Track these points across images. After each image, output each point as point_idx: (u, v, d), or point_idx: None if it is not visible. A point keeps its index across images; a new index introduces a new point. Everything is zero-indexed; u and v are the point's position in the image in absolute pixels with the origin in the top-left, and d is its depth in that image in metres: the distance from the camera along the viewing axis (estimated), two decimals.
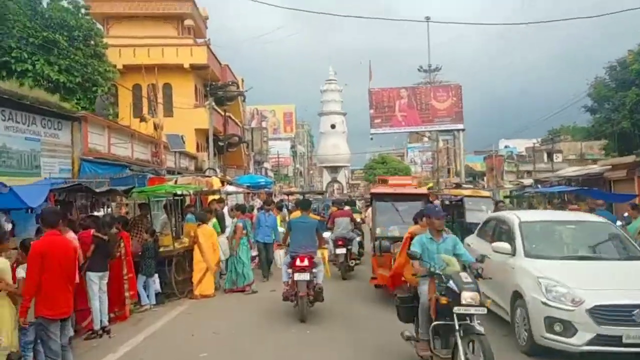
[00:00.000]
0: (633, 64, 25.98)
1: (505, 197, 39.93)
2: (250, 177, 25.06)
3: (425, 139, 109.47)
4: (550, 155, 57.86)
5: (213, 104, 29.85)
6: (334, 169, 69.28)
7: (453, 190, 15.90)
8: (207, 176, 18.51)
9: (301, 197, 14.62)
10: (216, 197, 14.30)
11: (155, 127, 19.74)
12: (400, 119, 32.99)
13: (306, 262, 8.27)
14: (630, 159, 21.00)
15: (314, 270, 8.33)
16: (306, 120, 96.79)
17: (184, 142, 27.35)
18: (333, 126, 68.83)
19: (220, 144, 33.97)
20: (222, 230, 11.64)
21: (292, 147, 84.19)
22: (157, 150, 19.07)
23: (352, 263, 12.45)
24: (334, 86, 70.08)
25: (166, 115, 30.44)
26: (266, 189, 30.58)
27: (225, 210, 12.97)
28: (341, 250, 12.14)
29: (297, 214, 11.07)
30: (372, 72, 33.82)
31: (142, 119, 19.90)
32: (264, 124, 73.73)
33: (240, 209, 11.75)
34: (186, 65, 28.88)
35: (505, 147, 72.40)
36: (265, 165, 66.55)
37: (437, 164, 50.05)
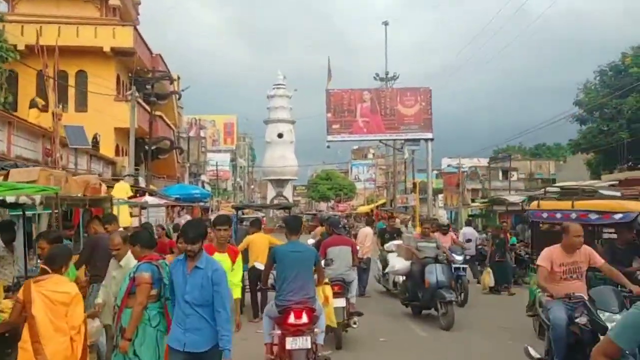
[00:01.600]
0: (632, 67, 22.16)
1: (470, 216, 36.38)
2: (182, 187, 19.83)
3: (370, 155, 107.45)
4: (505, 174, 55.91)
5: (139, 98, 24.16)
6: (280, 182, 63.52)
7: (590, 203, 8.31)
8: (93, 173, 13.16)
9: (281, 213, 9.68)
10: (129, 210, 8.88)
11: (53, 116, 14.11)
12: (361, 125, 28.64)
13: (305, 319, 5.50)
14: None
15: (315, 329, 5.61)
16: (248, 132, 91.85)
17: (97, 142, 21.52)
18: (280, 135, 63.02)
19: (148, 148, 28.14)
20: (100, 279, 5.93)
21: (233, 160, 78.69)
22: (51, 148, 13.46)
23: (353, 321, 7.96)
24: (283, 91, 64.43)
25: (79, 110, 24.78)
26: (201, 203, 25.26)
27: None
28: (339, 302, 7.52)
29: (257, 238, 8.86)
30: (331, 72, 29.22)
31: (33, 105, 14.24)
32: (202, 134, 67.96)
33: (137, 241, 4.96)
34: (106, 49, 23.25)
35: (448, 165, 70.16)
36: (203, 177, 60.99)
37: (394, 178, 46.08)
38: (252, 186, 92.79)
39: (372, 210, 60.09)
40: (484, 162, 54.32)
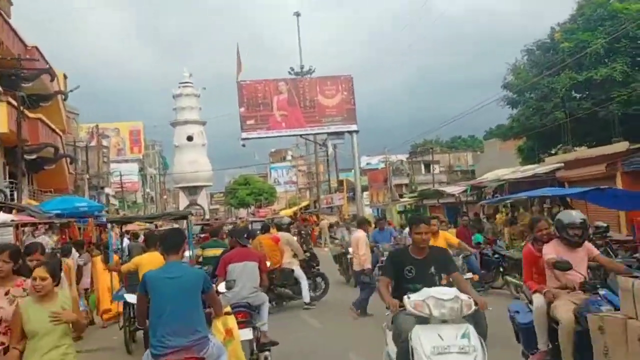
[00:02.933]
0: (562, 42, 20.65)
1: (399, 212, 34.54)
2: (63, 201, 15.90)
3: (289, 157, 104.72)
4: (428, 167, 55.53)
5: (9, 98, 19.83)
6: (193, 190, 58.47)
7: None
8: None
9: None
10: None
11: None
12: (279, 120, 25.82)
13: None
14: (612, 148, 15.31)
15: None
16: (157, 140, 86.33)
17: None
18: (190, 138, 57.87)
19: (28, 157, 23.58)
20: None
21: (141, 169, 73.03)
22: None
23: (264, 356, 6.06)
24: (190, 90, 59.31)
25: None
26: (96, 219, 21.21)
27: None
28: (245, 334, 5.72)
29: (150, 259, 6.86)
30: (241, 62, 25.99)
31: None
32: (105, 143, 62.22)
33: None
34: None
35: (367, 164, 69.20)
36: (107, 190, 55.62)
37: (317, 177, 43.42)
38: (165, 196, 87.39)
39: (295, 214, 57.27)
40: (402, 158, 53.34)
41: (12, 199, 18.47)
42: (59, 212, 15.90)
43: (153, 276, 4.31)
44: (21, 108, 18.63)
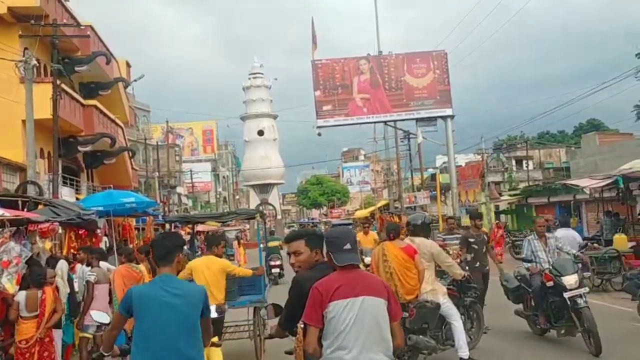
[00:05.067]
0: None
1: (498, 212, 29.82)
2: (108, 195, 12.68)
3: (362, 156, 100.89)
4: (519, 164, 50.69)
5: (63, 83, 17.21)
6: (264, 188, 55.55)
7: None
8: None
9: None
10: None
11: None
12: (360, 104, 22.10)
13: None
14: None
15: None
16: (230, 139, 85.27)
17: None
18: (261, 132, 54.94)
19: (82, 148, 21.09)
20: None
21: (214, 169, 71.66)
22: None
23: None
24: (261, 81, 56.36)
25: None
26: (158, 218, 18.36)
27: None
28: None
29: (203, 264, 6.14)
30: (316, 37, 22.33)
31: None
32: (178, 143, 61.12)
33: None
34: (3, 10, 16.10)
35: (443, 163, 64.48)
36: (179, 190, 54.08)
37: (398, 173, 39.14)
38: (237, 196, 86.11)
39: (371, 214, 53.25)
40: (479, 157, 48.85)
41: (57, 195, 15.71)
42: (101, 208, 12.78)
43: (144, 293, 3.56)
44: (57, 82, 15.62)
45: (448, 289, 6.34)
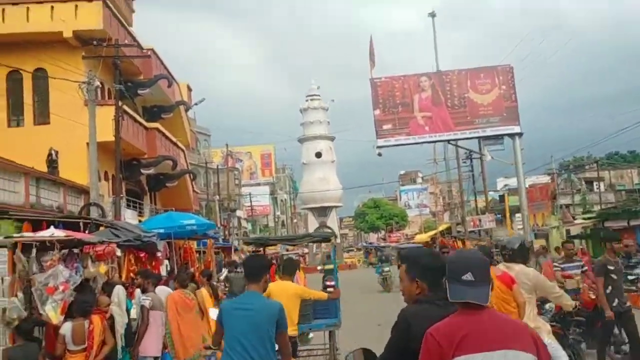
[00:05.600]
0: None
1: (570, 237, 27.81)
2: (168, 217, 12.34)
3: (419, 179, 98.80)
4: (590, 184, 47.94)
5: (125, 105, 17.37)
6: (322, 211, 54.84)
7: None
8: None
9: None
10: None
11: None
12: (421, 122, 21.26)
13: None
14: None
15: None
16: (287, 163, 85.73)
17: (53, 160, 14.91)
18: (319, 155, 54.46)
19: (145, 171, 21.18)
20: None
21: (272, 193, 71.82)
22: None
23: None
24: (318, 102, 56.18)
25: (40, 122, 17.93)
26: (219, 241, 18.08)
27: None
28: None
29: (279, 288, 6.20)
30: (374, 54, 21.70)
31: None
32: (238, 167, 61.82)
33: None
34: (67, 34, 16.41)
35: (505, 185, 61.86)
36: (239, 213, 54.30)
37: (461, 195, 37.57)
38: (295, 220, 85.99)
39: (432, 238, 51.45)
40: (542, 179, 46.48)
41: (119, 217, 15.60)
42: (162, 230, 12.46)
43: (226, 307, 4.29)
44: (120, 103, 15.61)
45: (551, 326, 5.33)
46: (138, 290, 7.06)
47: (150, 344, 6.10)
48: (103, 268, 6.40)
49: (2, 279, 4.95)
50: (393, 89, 21.93)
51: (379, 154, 22.04)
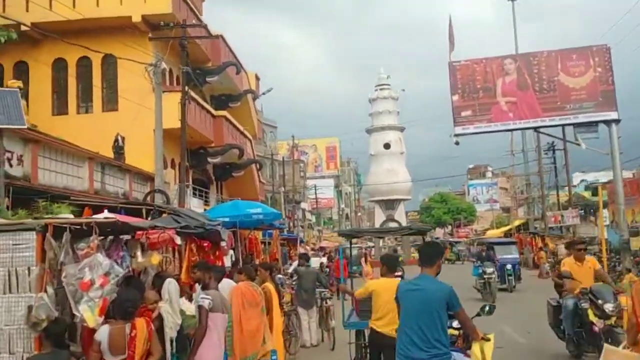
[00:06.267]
0: None
1: None
2: (234, 206, 11.35)
3: (489, 172, 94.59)
4: None
5: (191, 91, 16.65)
6: (390, 204, 52.84)
7: None
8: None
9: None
10: None
11: None
12: (505, 108, 19.42)
13: None
14: None
15: None
16: (352, 157, 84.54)
17: (120, 147, 14.41)
18: (387, 146, 52.30)
19: (212, 160, 20.53)
20: None
21: (337, 186, 70.80)
22: None
23: None
24: (387, 92, 53.91)
25: (108, 109, 17.58)
26: (285, 232, 17.09)
27: None
28: None
29: (384, 286, 5.96)
30: (453, 35, 19.93)
31: None
32: (303, 159, 61.18)
33: None
34: (136, 19, 15.84)
35: (582, 180, 57.48)
36: (303, 205, 53.60)
37: (542, 187, 34.75)
38: (359, 213, 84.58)
39: (505, 235, 48.51)
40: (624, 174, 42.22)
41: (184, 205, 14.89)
42: (227, 219, 11.53)
43: (402, 287, 4.69)
44: (186, 88, 14.83)
45: None
46: (197, 287, 6.00)
47: (208, 353, 4.98)
48: (156, 258, 5.34)
49: (29, 270, 3.99)
50: (474, 72, 20.07)
51: (457, 143, 20.26)
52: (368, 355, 6.34)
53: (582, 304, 7.51)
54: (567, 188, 36.95)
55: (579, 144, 19.31)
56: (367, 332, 6.21)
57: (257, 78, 30.25)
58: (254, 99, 28.84)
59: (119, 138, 15.33)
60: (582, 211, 37.14)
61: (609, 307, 6.95)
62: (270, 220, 13.63)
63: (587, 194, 43.98)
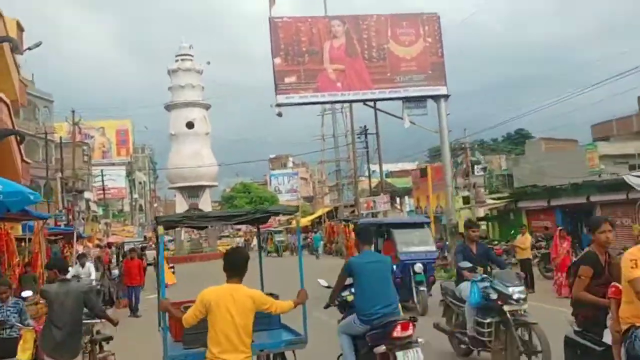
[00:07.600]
0: None
1: (480, 218, 25.44)
2: None
3: (290, 163, 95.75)
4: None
5: None
6: (194, 190, 47.49)
7: None
8: None
9: None
10: None
11: None
12: (333, 77, 16.86)
13: (411, 331, 5.22)
14: None
15: (419, 339, 5.38)
16: (147, 143, 77.72)
17: None
18: (190, 125, 46.36)
19: None
20: None
21: (129, 174, 63.59)
22: None
23: None
24: (190, 64, 47.85)
25: None
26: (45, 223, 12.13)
27: None
28: None
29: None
30: None
31: None
32: (88, 142, 53.32)
33: None
34: None
35: (374, 171, 60.98)
36: (87, 195, 46.29)
37: (355, 173, 33.86)
38: (156, 204, 77.99)
39: (312, 223, 47.49)
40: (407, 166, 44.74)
41: None
42: None
43: (359, 261, 5.63)
44: None
45: None
46: None
47: None
48: None
49: None
50: (298, 32, 17.15)
51: (279, 114, 17.14)
52: None
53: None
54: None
55: (402, 118, 17.74)
56: None
57: (21, 28, 23.29)
58: (14, 51, 22.04)
59: None
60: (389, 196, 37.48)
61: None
62: (20, 205, 8.77)
63: (390, 181, 45.23)
